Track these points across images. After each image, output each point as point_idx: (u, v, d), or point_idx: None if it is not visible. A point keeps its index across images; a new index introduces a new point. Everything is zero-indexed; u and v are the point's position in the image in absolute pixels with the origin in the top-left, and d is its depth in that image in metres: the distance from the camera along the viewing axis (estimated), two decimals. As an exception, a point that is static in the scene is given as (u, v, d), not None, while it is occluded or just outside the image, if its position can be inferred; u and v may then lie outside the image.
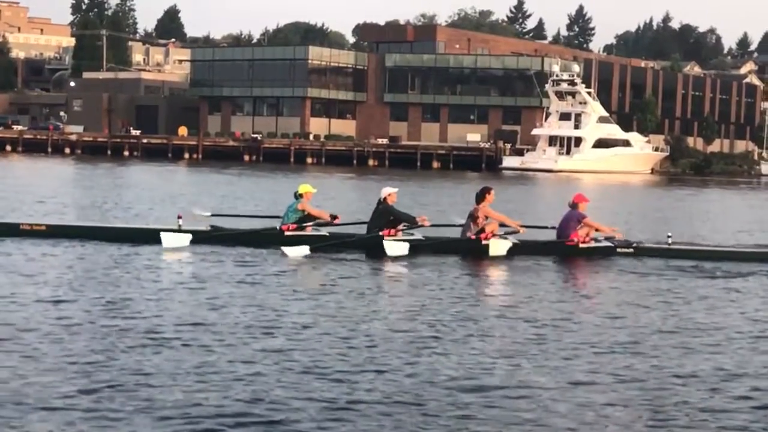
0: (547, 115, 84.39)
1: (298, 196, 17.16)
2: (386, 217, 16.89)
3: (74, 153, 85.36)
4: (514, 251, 16.60)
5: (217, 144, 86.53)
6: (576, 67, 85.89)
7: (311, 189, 17.24)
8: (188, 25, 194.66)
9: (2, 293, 11.35)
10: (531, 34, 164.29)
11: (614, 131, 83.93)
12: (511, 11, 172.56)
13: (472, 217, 17.08)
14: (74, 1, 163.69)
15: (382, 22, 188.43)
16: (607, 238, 17.41)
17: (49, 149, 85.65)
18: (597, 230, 17.34)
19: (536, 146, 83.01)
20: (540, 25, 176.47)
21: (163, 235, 16.26)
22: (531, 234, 17.52)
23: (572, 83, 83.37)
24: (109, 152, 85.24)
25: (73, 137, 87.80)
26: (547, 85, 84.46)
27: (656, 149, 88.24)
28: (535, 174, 72.45)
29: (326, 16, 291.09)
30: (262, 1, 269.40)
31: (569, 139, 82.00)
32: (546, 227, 18.11)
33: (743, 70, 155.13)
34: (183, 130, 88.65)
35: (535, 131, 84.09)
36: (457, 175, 67.34)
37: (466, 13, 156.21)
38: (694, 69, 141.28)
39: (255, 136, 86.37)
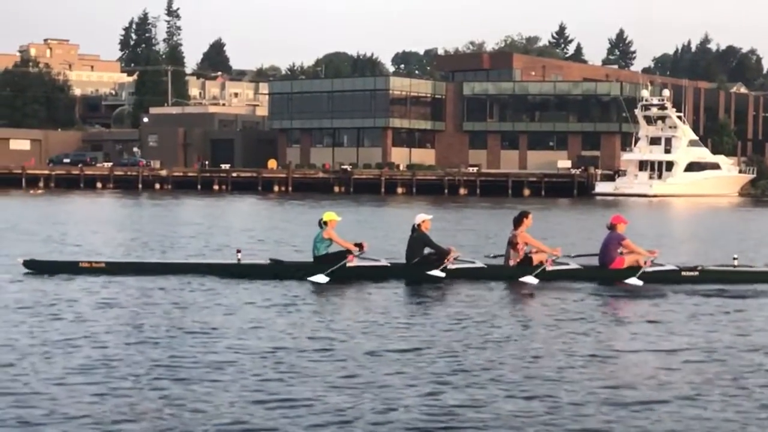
0: (636, 140, 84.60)
1: (322, 224, 16.65)
2: (421, 245, 16.63)
3: (164, 188, 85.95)
4: (576, 277, 16.44)
5: (306, 176, 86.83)
6: (666, 92, 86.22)
7: (336, 217, 16.66)
8: (233, 58, 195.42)
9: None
10: (571, 59, 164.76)
11: (704, 154, 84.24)
12: (553, 36, 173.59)
13: (512, 243, 16.79)
14: (122, 38, 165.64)
15: (421, 51, 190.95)
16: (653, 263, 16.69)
17: (140, 185, 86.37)
18: (637, 253, 16.62)
19: (618, 171, 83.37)
20: (579, 49, 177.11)
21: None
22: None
23: (662, 107, 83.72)
24: (199, 187, 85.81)
25: (164, 173, 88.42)
26: (636, 110, 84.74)
27: (740, 171, 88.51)
28: (628, 199, 72.44)
29: (365, 46, 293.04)
30: (301, 33, 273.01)
31: (660, 163, 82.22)
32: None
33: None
34: (273, 163, 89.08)
35: (624, 156, 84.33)
36: (549, 202, 66.90)
37: (513, 39, 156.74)
38: (740, 90, 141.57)
39: (345, 167, 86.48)
